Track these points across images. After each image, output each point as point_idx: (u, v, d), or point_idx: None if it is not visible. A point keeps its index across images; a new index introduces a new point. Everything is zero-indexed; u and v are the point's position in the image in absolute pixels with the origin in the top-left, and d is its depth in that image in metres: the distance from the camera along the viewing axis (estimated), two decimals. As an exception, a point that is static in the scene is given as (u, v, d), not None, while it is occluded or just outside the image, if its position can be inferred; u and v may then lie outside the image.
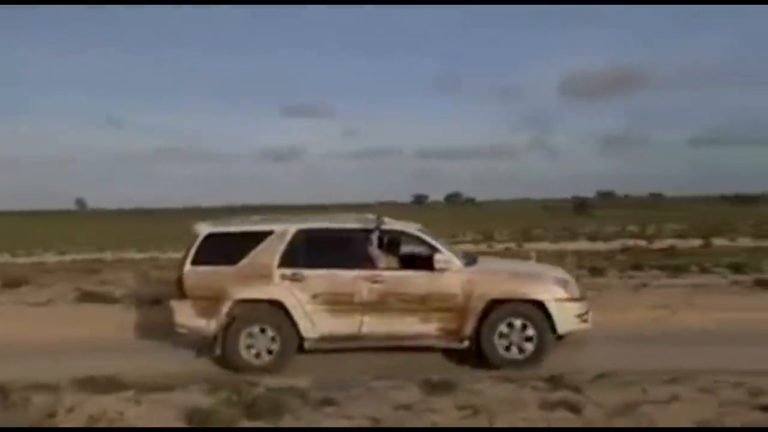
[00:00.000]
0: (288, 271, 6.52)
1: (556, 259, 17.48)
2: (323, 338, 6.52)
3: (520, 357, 6.29)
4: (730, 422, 4.16)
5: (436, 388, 4.99)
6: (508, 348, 6.32)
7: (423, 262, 6.66)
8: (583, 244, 23.74)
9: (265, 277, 6.52)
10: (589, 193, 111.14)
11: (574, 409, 4.43)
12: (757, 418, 4.22)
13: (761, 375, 5.35)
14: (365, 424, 4.41)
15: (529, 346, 6.28)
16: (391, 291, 6.47)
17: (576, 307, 6.49)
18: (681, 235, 26.65)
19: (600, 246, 22.32)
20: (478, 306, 6.33)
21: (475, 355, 6.41)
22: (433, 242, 6.76)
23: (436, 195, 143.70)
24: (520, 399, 4.69)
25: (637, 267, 13.98)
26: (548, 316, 6.30)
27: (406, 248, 7.24)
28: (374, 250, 6.61)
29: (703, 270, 13.42)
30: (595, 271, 13.59)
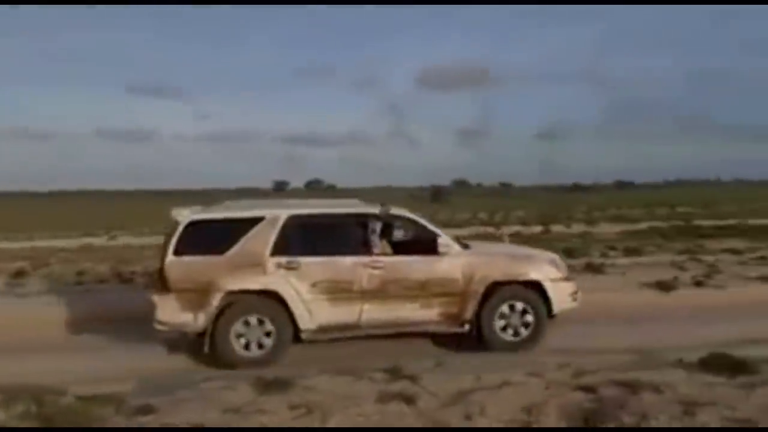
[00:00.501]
0: (283, 260, 6.07)
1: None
2: (321, 328, 6.16)
3: (518, 339, 6.38)
4: (554, 404, 4.29)
5: (269, 386, 4.66)
6: (504, 329, 6.39)
7: (421, 247, 6.48)
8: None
9: (258, 266, 6.04)
10: (446, 181, 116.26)
11: (409, 400, 4.34)
12: (579, 399, 4.39)
13: (587, 354, 5.71)
14: (186, 432, 3.99)
15: (526, 328, 6.40)
16: (392, 277, 6.26)
17: (569, 287, 6.67)
18: (524, 222, 28.57)
19: (452, 233, 23.17)
20: (479, 289, 6.32)
21: (475, 338, 6.40)
22: (433, 227, 6.62)
23: (298, 182, 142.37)
24: (357, 393, 4.52)
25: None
26: (545, 296, 6.43)
27: (397, 233, 7.18)
28: (375, 235, 6.40)
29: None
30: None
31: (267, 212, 6.32)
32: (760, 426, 3.88)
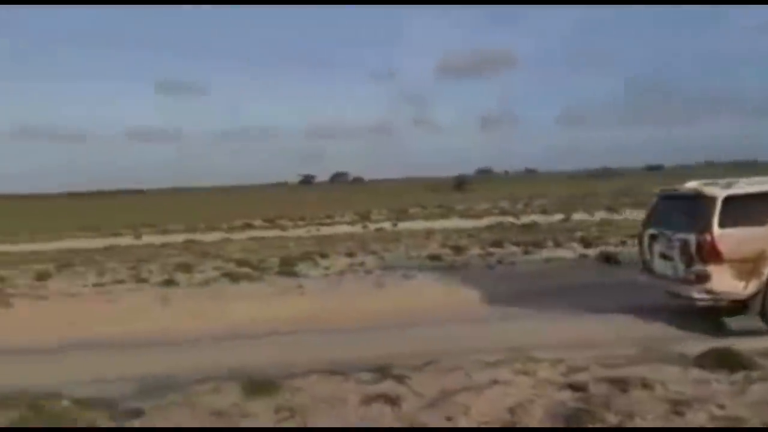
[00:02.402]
0: None
1: (424, 237, 17.88)
2: None
3: None
4: (540, 404, 4.22)
5: (258, 389, 4.69)
6: None
7: None
8: (456, 222, 24.49)
9: None
10: (470, 170, 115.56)
11: (393, 401, 4.32)
12: (567, 397, 4.32)
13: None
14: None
15: None
16: None
17: None
18: (545, 211, 28.25)
19: (469, 224, 23.08)
20: None
21: None
22: None
23: (324, 175, 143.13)
24: (343, 395, 4.52)
25: (497, 244, 14.54)
26: None
27: None
28: None
29: (557, 244, 14.22)
30: (458, 250, 13.97)
31: None
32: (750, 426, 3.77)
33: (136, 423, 4.28)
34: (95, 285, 11.14)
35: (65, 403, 4.70)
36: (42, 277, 12.00)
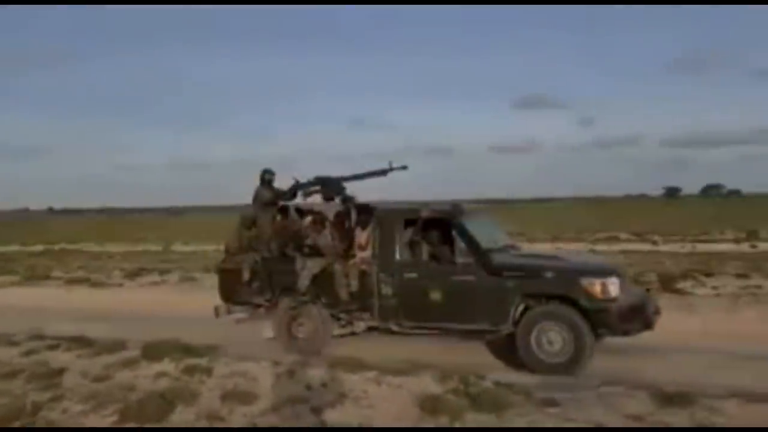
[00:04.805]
0: None
1: None
2: None
3: None
4: None
5: (670, 399, 4.69)
6: None
7: None
8: None
9: None
10: None
11: None
12: None
13: None
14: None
15: None
16: None
17: None
18: None
19: None
20: None
21: None
22: None
23: (691, 188, 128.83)
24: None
25: None
26: None
27: None
28: None
29: None
30: None
31: None
32: None
33: (551, 411, 4.75)
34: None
35: (488, 383, 5.49)
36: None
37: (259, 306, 7.75)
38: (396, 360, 6.19)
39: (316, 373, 5.73)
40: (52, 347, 7.08)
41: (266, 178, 7.90)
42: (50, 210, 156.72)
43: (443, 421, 4.59)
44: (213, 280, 12.84)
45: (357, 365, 5.91)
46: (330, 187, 7.63)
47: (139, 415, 4.66)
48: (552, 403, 4.88)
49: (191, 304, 10.36)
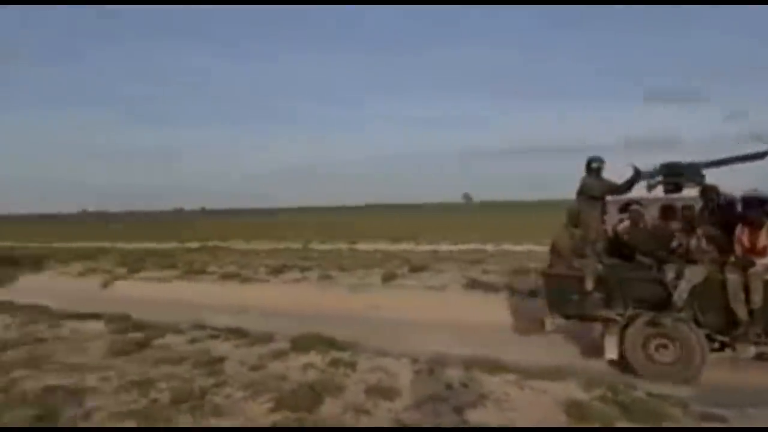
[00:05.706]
0: None
1: None
2: None
3: None
4: None
5: None
6: None
7: None
8: None
9: None
10: None
11: None
12: None
13: None
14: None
15: None
16: None
17: None
18: None
19: None
20: None
21: None
22: None
23: None
24: None
25: None
26: None
27: None
28: None
29: None
30: None
31: None
32: None
33: (715, 424, 4.39)
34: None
35: (640, 392, 5.19)
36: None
37: (595, 320, 6.69)
38: (536, 364, 6.03)
39: (455, 373, 5.74)
40: (213, 337, 7.71)
41: (594, 166, 6.96)
42: (202, 210, 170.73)
43: (593, 429, 4.41)
44: (349, 278, 13.36)
45: (495, 367, 5.84)
46: (689, 175, 6.42)
47: (293, 405, 4.95)
48: (714, 417, 4.51)
49: (332, 301, 10.82)
